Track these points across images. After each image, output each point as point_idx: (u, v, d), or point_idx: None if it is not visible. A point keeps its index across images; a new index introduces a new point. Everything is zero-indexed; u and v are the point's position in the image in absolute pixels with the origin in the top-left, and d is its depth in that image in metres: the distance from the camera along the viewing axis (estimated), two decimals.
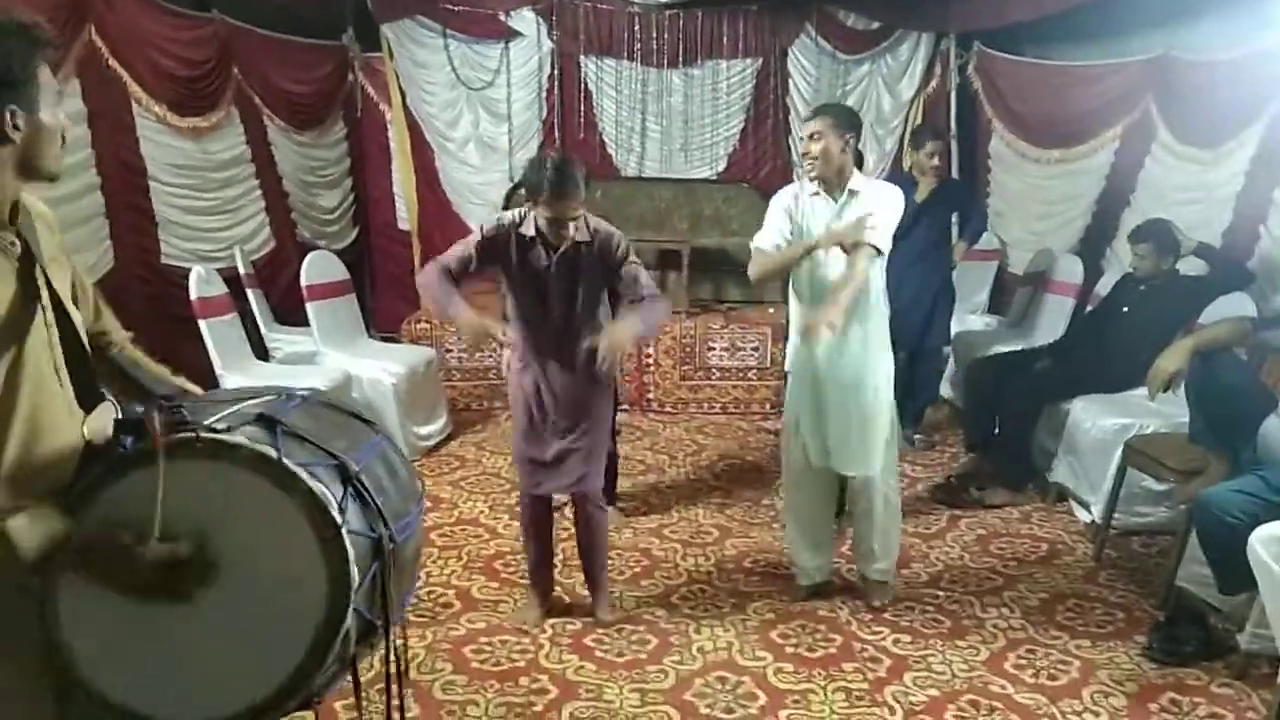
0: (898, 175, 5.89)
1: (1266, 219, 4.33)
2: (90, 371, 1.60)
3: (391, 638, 1.67)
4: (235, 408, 1.61)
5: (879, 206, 2.99)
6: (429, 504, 4.18)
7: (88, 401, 1.56)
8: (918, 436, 5.11)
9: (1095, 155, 5.71)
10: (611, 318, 3.04)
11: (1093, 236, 5.71)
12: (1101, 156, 5.67)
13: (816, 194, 3.12)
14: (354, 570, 1.49)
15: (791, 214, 3.14)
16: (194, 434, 1.48)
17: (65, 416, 1.50)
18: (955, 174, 6.83)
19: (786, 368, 3.34)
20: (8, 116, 1.41)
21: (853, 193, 3.08)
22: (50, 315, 1.51)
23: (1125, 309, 4.37)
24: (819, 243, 2.99)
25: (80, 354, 1.57)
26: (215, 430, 1.50)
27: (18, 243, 1.50)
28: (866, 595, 3.35)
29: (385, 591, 1.60)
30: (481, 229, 2.95)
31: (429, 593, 3.36)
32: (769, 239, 3.11)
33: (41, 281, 1.50)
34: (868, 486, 3.25)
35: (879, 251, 2.94)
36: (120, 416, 1.58)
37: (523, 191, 3.04)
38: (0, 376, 1.42)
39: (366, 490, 1.60)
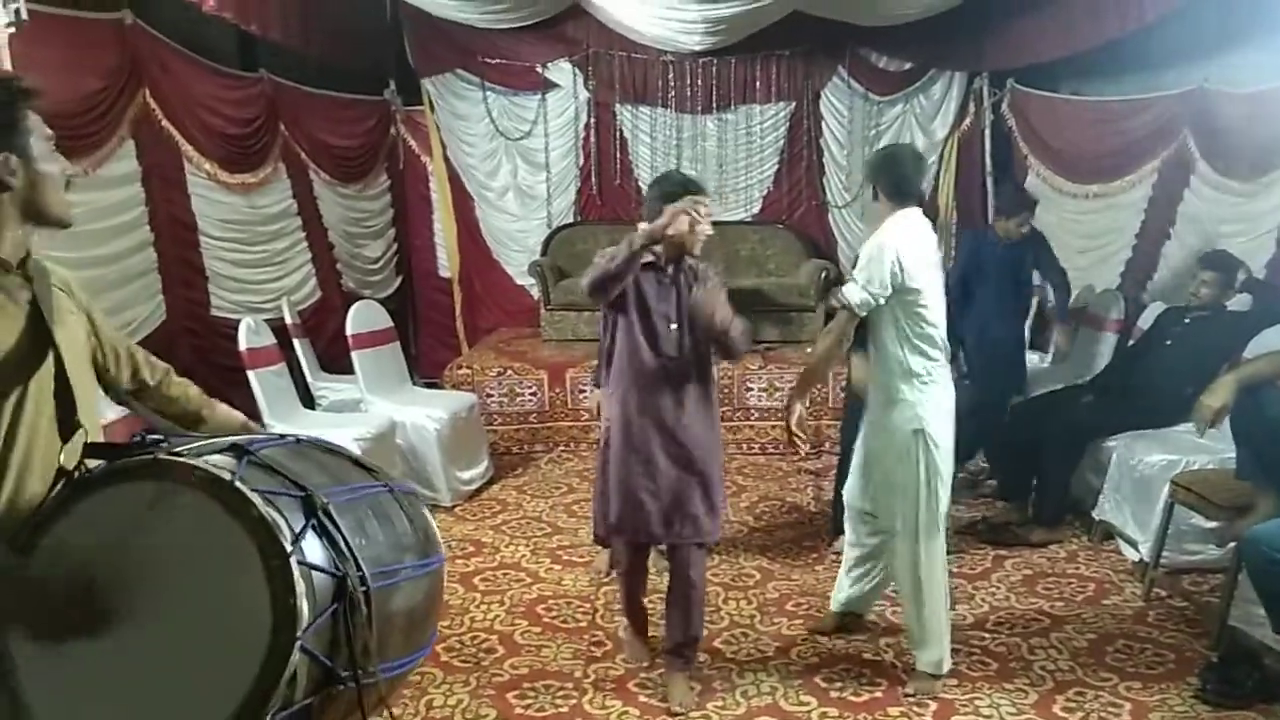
0: (981, 231, 5.80)
1: None
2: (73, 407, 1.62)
3: (363, 694, 1.52)
4: (218, 440, 1.60)
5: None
6: (470, 549, 4.23)
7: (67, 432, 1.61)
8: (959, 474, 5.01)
9: (1133, 189, 5.71)
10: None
11: (1133, 270, 5.67)
12: (1139, 190, 5.66)
13: None
14: (302, 604, 1.40)
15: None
16: (150, 456, 1.48)
17: (54, 464, 1.55)
18: (991, 211, 6.84)
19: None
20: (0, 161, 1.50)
21: None
22: (52, 367, 1.58)
23: (1169, 342, 4.33)
24: None
25: (70, 403, 1.61)
26: (177, 454, 1.49)
27: (29, 291, 1.58)
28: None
29: (350, 637, 1.49)
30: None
31: (472, 638, 3.39)
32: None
33: (52, 333, 1.58)
34: (892, 545, 3.08)
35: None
36: (89, 441, 1.59)
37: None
38: (5, 417, 1.51)
39: (335, 526, 1.53)
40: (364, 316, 5.02)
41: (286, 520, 1.47)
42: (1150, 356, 4.38)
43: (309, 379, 5.15)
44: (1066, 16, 5.72)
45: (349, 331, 4.88)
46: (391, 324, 5.25)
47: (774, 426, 5.73)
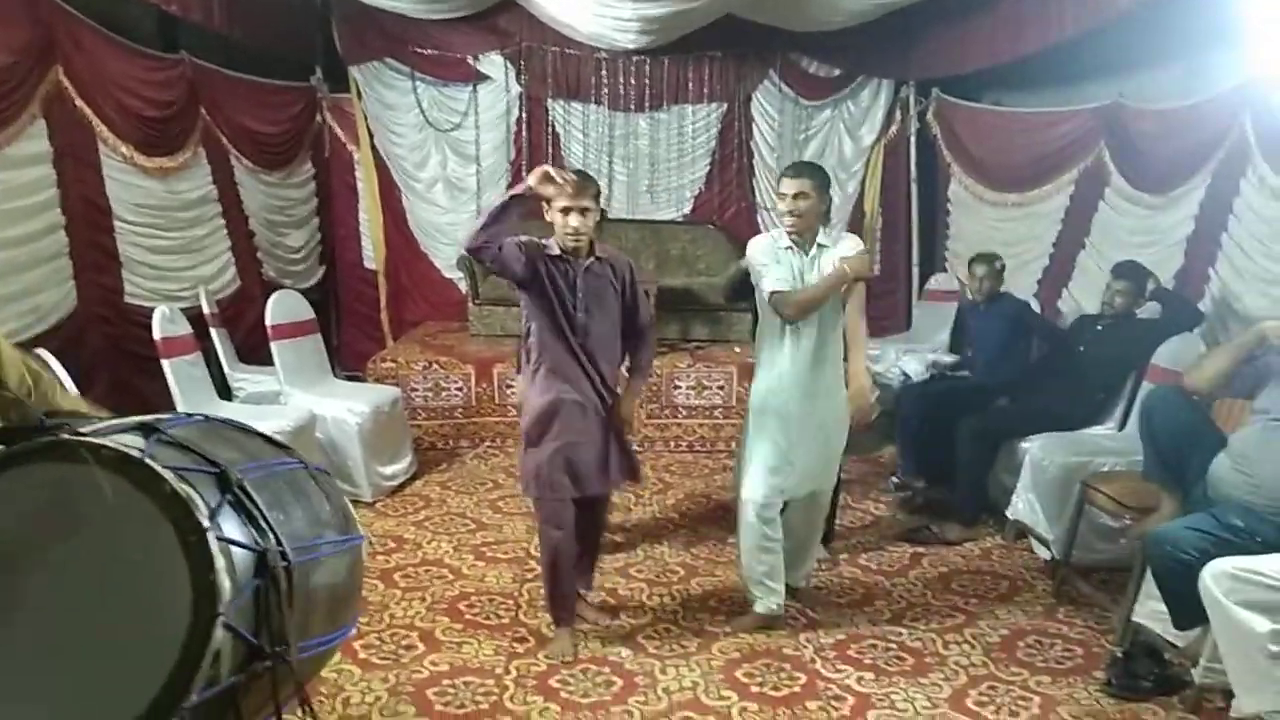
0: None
1: (1215, 263, 4.46)
2: None
3: (278, 669, 1.49)
4: (125, 420, 1.56)
5: (849, 252, 3.28)
6: (391, 545, 4.16)
7: None
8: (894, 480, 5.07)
9: (1051, 199, 5.87)
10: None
11: (1049, 278, 5.84)
12: (1057, 201, 5.82)
13: (789, 247, 3.32)
14: (223, 579, 1.37)
15: (767, 254, 3.33)
16: (54, 437, 1.43)
17: None
18: (915, 219, 6.99)
19: (751, 405, 3.45)
20: None
21: (821, 246, 3.32)
22: None
23: (1081, 348, 4.47)
24: (846, 273, 3.19)
25: None
26: (81, 434, 1.44)
27: None
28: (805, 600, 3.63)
29: (270, 613, 1.47)
30: (527, 237, 3.13)
31: (392, 634, 3.33)
32: (783, 279, 3.25)
33: None
34: (818, 501, 3.51)
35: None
36: None
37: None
38: None
39: (252, 501, 1.50)
40: (284, 306, 4.90)
41: (201, 496, 1.43)
42: (1065, 362, 4.52)
43: (226, 370, 5.01)
44: (990, 28, 5.87)
45: (268, 322, 4.75)
46: (313, 314, 5.14)
47: (700, 425, 5.77)
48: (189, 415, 1.73)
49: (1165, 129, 4.95)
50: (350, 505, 1.83)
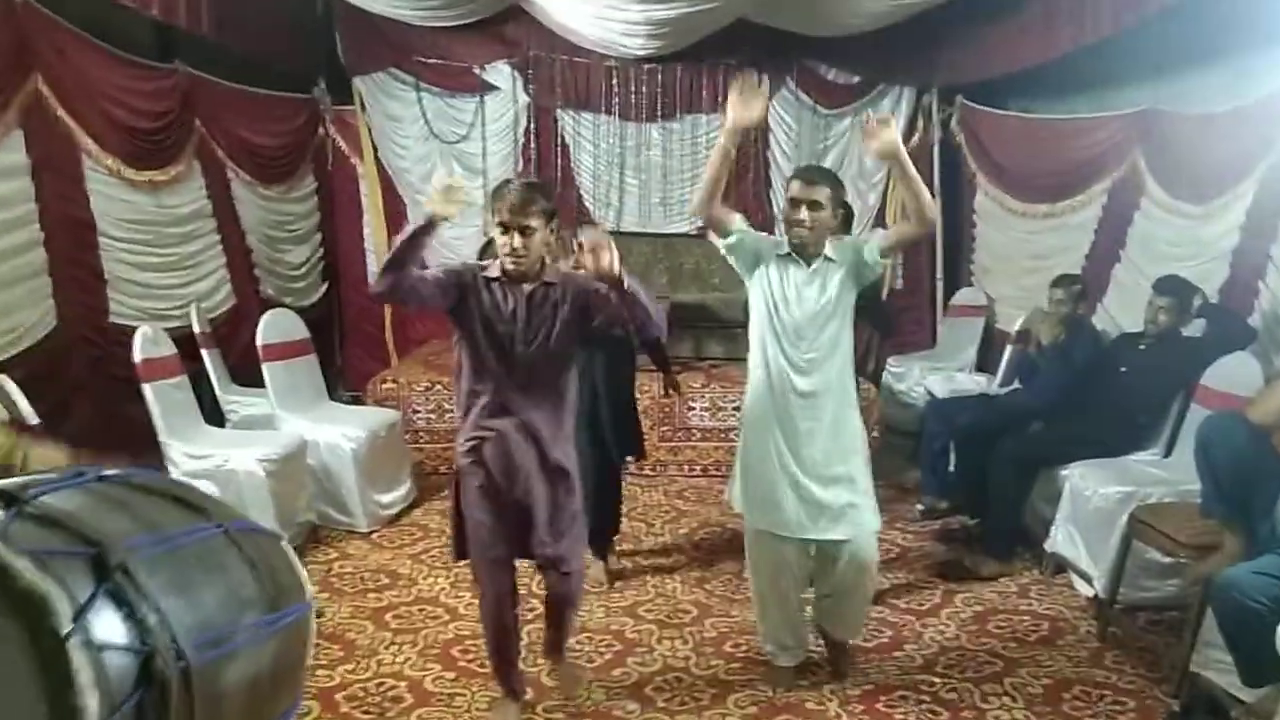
0: None
1: (1265, 275, 4.17)
2: None
3: None
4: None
5: (861, 245, 3.02)
6: (385, 580, 3.91)
7: None
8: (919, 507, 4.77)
9: (1083, 210, 5.58)
10: (579, 377, 2.88)
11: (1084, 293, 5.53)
12: (1089, 211, 5.54)
13: (789, 255, 2.97)
14: (87, 699, 1.11)
15: (762, 252, 3.01)
16: None
17: None
18: (940, 232, 6.71)
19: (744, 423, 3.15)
20: None
21: (828, 260, 2.95)
22: None
23: (1123, 369, 4.18)
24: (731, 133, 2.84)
25: None
26: None
27: None
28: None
29: None
30: (460, 264, 2.79)
31: (379, 684, 3.07)
32: (756, 281, 3.02)
33: None
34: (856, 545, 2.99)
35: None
36: None
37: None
38: None
39: (138, 588, 1.25)
40: (277, 326, 4.67)
41: (67, 588, 1.15)
42: (1104, 383, 4.22)
43: (218, 392, 4.79)
44: (1019, 29, 5.60)
45: (259, 341, 4.52)
46: (307, 334, 4.90)
47: (716, 448, 5.50)
48: (80, 474, 1.44)
49: (1206, 135, 4.66)
50: (294, 565, 1.54)
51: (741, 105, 2.81)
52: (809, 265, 2.94)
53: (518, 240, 2.56)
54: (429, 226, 2.53)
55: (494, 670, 2.92)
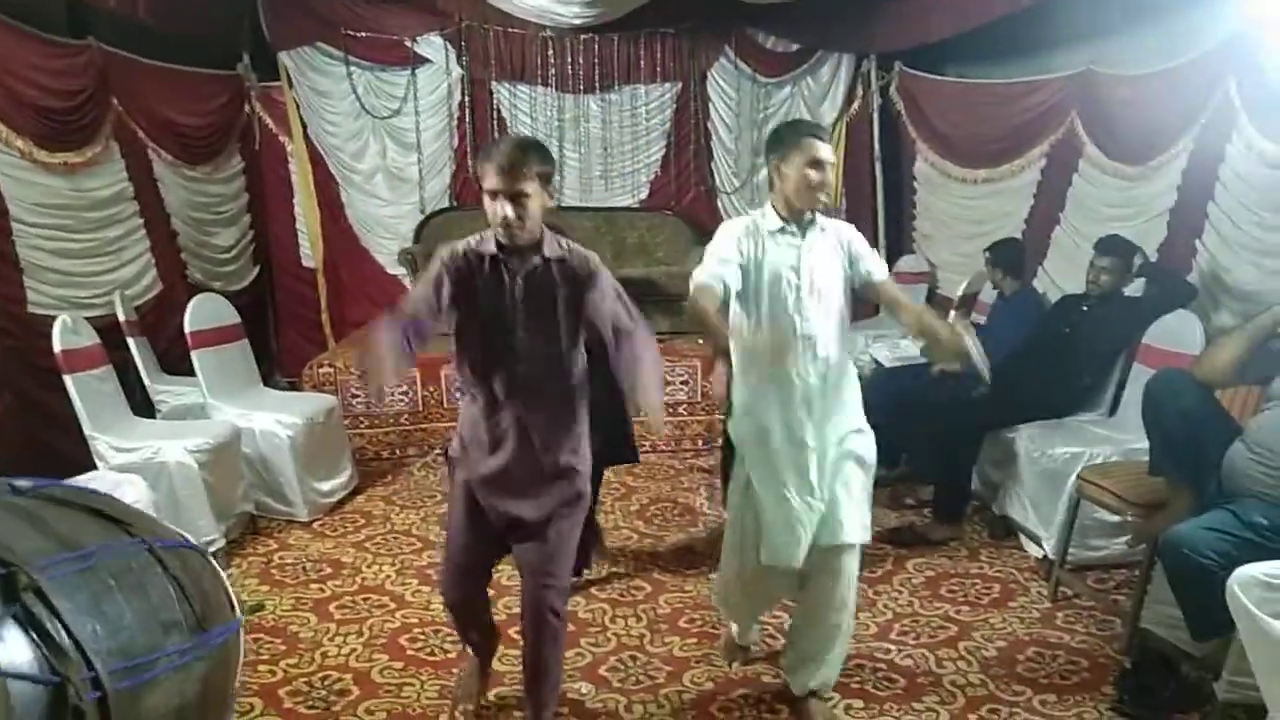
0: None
1: (1203, 234, 4.20)
2: None
3: None
4: None
5: (858, 242, 2.72)
6: (327, 570, 3.79)
7: None
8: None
9: (1022, 174, 5.60)
10: (587, 363, 2.47)
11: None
12: (1028, 175, 5.56)
13: (782, 229, 2.63)
14: None
15: (744, 248, 2.63)
16: None
17: None
18: (881, 199, 6.71)
19: (735, 439, 2.81)
20: None
21: (821, 228, 2.66)
22: None
23: (1066, 330, 4.19)
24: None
25: None
26: None
27: None
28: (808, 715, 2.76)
29: None
30: (440, 256, 2.36)
31: (323, 678, 2.96)
32: (709, 272, 2.56)
33: None
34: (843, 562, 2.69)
35: None
36: None
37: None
38: None
39: (52, 611, 1.11)
40: (205, 311, 4.48)
41: None
42: (1048, 345, 4.23)
43: (147, 382, 4.60)
44: None
45: (187, 329, 4.33)
46: (238, 319, 4.71)
47: (664, 423, 5.42)
48: None
49: (1141, 96, 4.68)
50: (223, 585, 1.42)
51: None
52: (804, 236, 2.64)
53: (510, 209, 2.21)
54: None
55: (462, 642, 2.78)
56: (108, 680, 1.11)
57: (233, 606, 1.42)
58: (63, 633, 1.10)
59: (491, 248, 2.31)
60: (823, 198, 2.59)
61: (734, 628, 3.09)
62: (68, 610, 1.12)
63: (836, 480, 2.66)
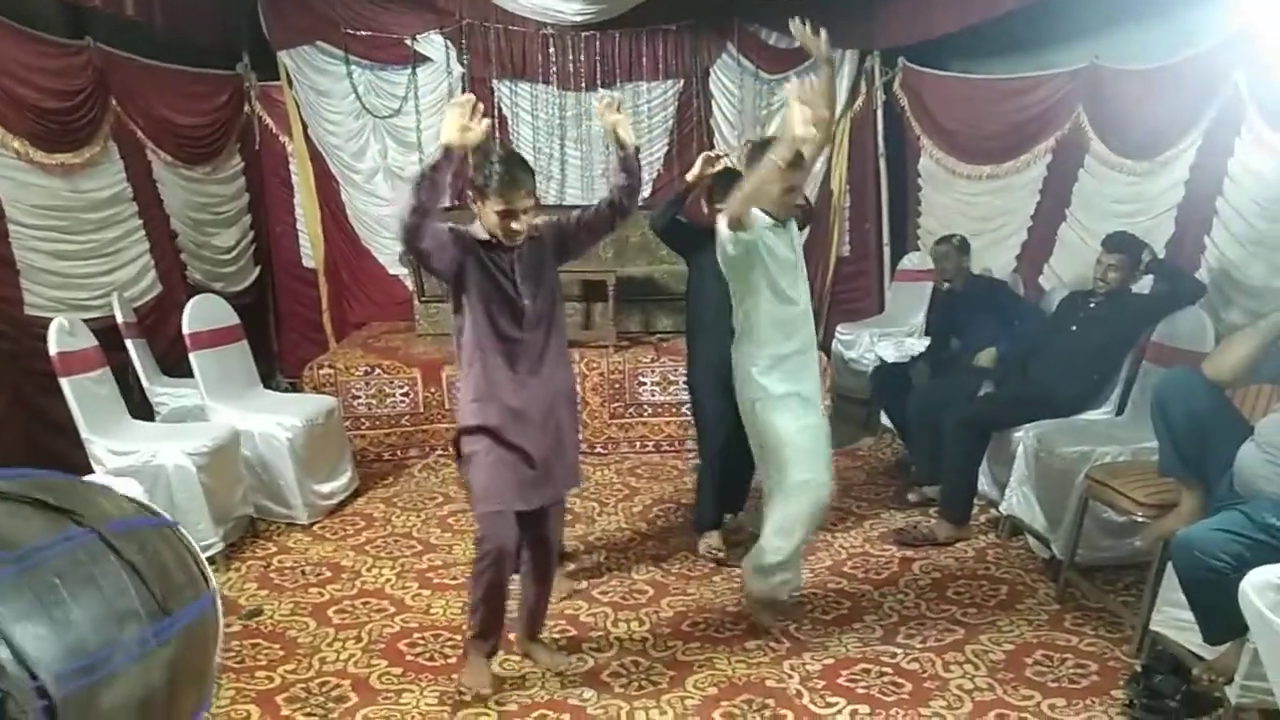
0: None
1: (1211, 230, 4.15)
2: None
3: None
4: None
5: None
6: (327, 574, 3.75)
7: None
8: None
9: (1027, 170, 5.55)
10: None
11: (1029, 253, 5.52)
12: (1034, 171, 5.51)
13: (772, 228, 3.09)
14: None
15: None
16: None
17: None
18: (885, 196, 6.66)
19: (756, 397, 3.12)
20: None
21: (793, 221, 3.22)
22: None
23: (1073, 328, 4.14)
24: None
25: None
26: None
27: None
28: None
29: None
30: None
31: (321, 684, 2.92)
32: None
33: None
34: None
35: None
36: None
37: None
38: None
39: None
40: (204, 312, 4.44)
41: None
42: (1055, 343, 4.18)
43: (145, 385, 4.57)
44: None
45: (185, 330, 4.29)
46: (237, 320, 4.67)
47: (667, 423, 5.40)
48: None
49: (1148, 90, 4.63)
50: (190, 560, 1.36)
51: (801, 109, 2.76)
52: (785, 228, 3.14)
53: (517, 224, 2.64)
54: (446, 160, 2.45)
55: (480, 625, 2.82)
56: (54, 687, 1.05)
57: (205, 579, 1.36)
58: (1, 644, 1.04)
59: (484, 236, 2.70)
60: (799, 201, 3.26)
61: (778, 581, 3.18)
62: (8, 617, 1.06)
63: None
